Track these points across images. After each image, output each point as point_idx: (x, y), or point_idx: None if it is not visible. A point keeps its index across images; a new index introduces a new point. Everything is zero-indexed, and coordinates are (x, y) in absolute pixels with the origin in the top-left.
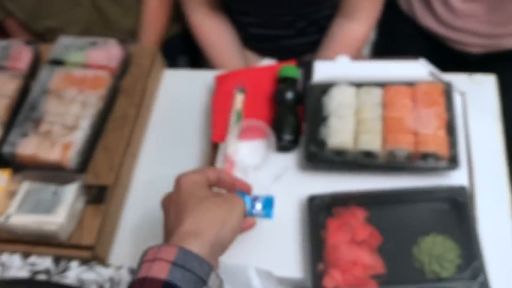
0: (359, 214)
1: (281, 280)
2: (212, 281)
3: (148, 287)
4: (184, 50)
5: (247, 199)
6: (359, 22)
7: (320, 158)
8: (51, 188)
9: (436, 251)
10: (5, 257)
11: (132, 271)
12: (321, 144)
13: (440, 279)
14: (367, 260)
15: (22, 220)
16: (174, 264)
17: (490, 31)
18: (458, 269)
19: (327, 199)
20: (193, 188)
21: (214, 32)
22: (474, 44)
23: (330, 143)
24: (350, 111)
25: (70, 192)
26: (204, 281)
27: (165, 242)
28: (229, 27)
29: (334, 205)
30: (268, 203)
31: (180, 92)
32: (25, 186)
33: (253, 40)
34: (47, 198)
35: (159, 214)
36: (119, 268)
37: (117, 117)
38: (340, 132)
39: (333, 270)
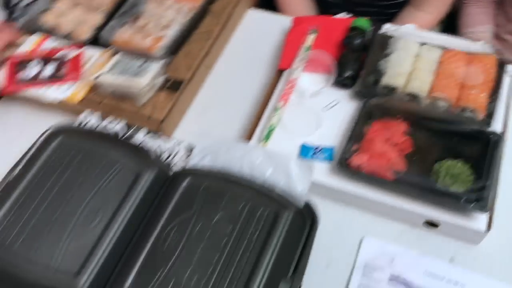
0: (401, 126)
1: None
2: None
3: None
4: None
5: (311, 149)
6: (426, 13)
7: (371, 92)
8: (139, 61)
9: (454, 171)
10: (83, 115)
11: (189, 149)
12: (378, 77)
13: (446, 192)
14: (393, 157)
15: (111, 78)
16: None
17: None
18: (465, 190)
19: (381, 107)
20: None
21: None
22: None
23: (385, 79)
24: (410, 58)
25: (155, 67)
26: None
27: None
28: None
29: (384, 115)
30: (329, 151)
31: (258, 29)
32: (117, 56)
33: None
34: (134, 67)
35: (222, 110)
36: (179, 142)
37: (202, 32)
38: (396, 70)
39: (363, 154)
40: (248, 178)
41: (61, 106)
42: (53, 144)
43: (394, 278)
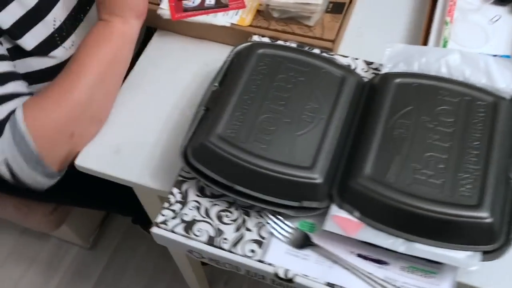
0: None
1: None
2: None
3: None
4: None
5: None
6: None
7: None
8: None
9: None
10: (254, 39)
11: (368, 63)
12: None
13: None
14: None
15: (283, 1)
16: None
17: None
18: None
19: None
20: None
21: None
22: None
23: None
24: None
25: None
26: None
27: None
28: None
29: None
30: (508, 58)
31: None
32: None
33: None
34: None
35: (377, 30)
36: (355, 58)
37: None
38: None
39: None
40: (451, 78)
41: (231, 31)
42: (255, 55)
43: None
